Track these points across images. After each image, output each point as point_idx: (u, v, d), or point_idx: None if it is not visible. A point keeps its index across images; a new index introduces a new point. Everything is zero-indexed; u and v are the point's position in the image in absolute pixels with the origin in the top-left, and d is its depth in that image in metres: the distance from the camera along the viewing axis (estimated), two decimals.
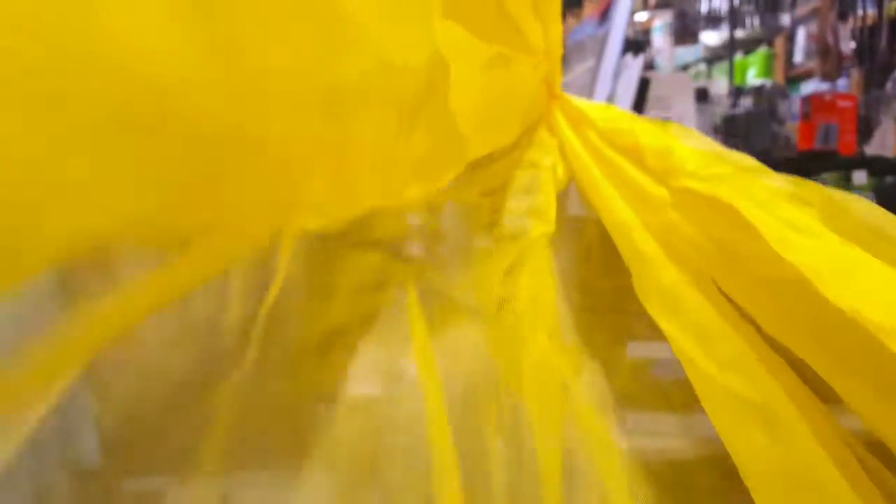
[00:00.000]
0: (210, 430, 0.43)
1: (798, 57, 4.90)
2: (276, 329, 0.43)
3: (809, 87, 4.68)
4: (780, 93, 2.17)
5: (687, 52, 4.49)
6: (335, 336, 0.50)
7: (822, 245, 0.48)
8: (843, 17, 2.42)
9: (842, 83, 4.22)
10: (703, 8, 2.47)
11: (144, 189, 0.32)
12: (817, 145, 2.70)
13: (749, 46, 4.39)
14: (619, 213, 0.58)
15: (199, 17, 0.32)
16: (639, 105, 1.52)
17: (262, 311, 0.41)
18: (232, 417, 0.43)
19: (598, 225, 0.60)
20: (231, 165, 0.36)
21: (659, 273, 0.54)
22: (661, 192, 0.56)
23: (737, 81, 4.57)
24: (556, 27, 0.63)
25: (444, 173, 0.52)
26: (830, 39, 2.37)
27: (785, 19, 2.21)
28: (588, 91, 1.53)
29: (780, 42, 4.65)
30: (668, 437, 0.58)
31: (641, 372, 0.61)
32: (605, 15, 1.66)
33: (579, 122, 0.64)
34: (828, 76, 2.51)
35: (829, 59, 2.41)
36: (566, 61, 1.84)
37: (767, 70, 4.65)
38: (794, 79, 4.87)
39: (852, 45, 2.58)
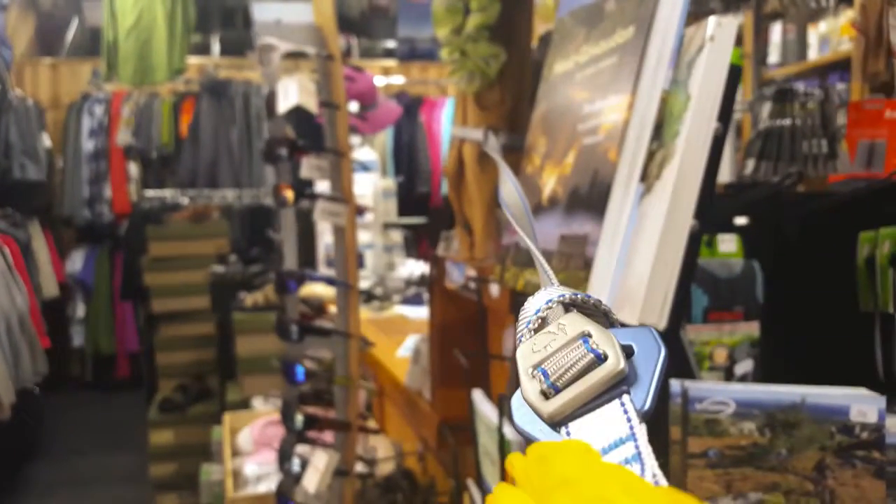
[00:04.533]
0: None
1: (773, 57, 4.33)
2: None
3: None
4: (838, 99, 1.55)
5: None
6: None
7: None
8: None
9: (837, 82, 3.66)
10: None
11: None
12: (857, 169, 2.09)
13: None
14: None
15: None
16: (726, 111, 0.83)
17: None
18: None
19: None
20: None
21: None
22: None
23: None
24: None
25: None
26: (885, 29, 1.76)
27: None
28: (618, 86, 0.86)
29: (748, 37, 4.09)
30: None
31: None
32: None
33: None
34: (874, 78, 1.91)
35: (879, 56, 1.81)
36: (562, 35, 1.17)
37: None
38: (766, 84, 4.31)
39: None
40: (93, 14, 6.31)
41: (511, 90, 1.45)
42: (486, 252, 1.48)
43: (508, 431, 0.93)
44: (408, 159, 6.42)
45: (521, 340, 0.40)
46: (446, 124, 6.38)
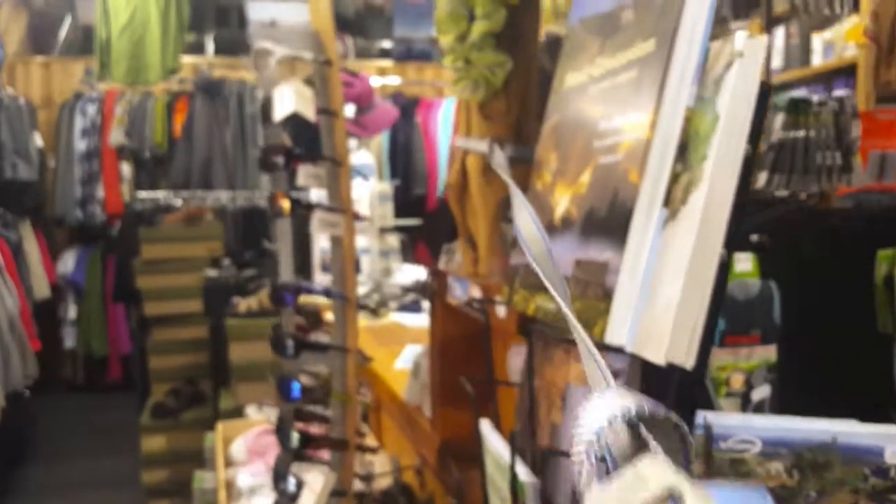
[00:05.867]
0: None
1: (776, 62, 4.28)
2: None
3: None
4: (852, 110, 1.49)
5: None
6: None
7: None
8: None
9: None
10: None
11: None
12: (868, 180, 2.04)
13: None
14: None
15: None
16: (756, 132, 0.77)
17: None
18: None
19: None
20: None
21: None
22: None
23: None
24: None
25: None
26: None
27: None
28: (638, 102, 0.80)
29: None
30: None
31: None
32: None
33: None
34: (886, 87, 1.86)
35: (891, 65, 1.76)
36: (573, 45, 1.11)
37: None
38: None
39: None
40: (86, 12, 6.24)
41: (517, 100, 1.39)
42: (490, 268, 1.42)
43: (522, 472, 0.88)
44: (404, 161, 6.36)
45: (583, 477, 0.31)
46: (443, 125, 6.31)
